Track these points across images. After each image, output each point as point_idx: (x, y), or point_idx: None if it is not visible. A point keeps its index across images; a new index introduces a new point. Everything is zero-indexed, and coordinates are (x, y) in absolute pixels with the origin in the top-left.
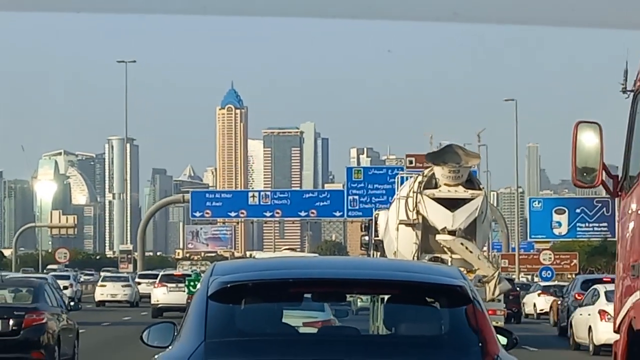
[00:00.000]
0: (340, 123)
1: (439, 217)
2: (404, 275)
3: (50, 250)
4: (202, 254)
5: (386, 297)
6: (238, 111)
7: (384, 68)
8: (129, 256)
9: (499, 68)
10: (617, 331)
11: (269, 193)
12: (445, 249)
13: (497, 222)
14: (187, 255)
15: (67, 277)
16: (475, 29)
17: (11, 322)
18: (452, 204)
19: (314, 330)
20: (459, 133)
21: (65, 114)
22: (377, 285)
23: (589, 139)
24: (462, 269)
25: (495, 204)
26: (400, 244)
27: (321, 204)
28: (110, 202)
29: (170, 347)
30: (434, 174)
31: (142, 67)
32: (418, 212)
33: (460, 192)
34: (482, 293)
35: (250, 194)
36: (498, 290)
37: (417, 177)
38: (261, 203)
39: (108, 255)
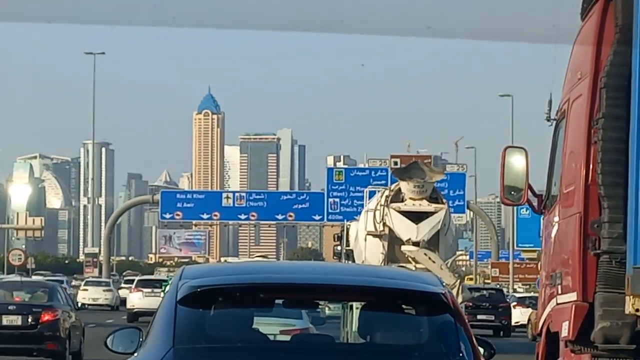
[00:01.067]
0: (317, 130)
1: (404, 228)
2: (380, 282)
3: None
4: (176, 259)
5: (361, 304)
6: (215, 116)
7: (360, 78)
8: (95, 260)
9: (473, 79)
10: (539, 334)
11: (244, 194)
12: (410, 258)
13: (472, 231)
14: (160, 260)
15: (60, 282)
16: (448, 43)
17: (29, 318)
18: (416, 217)
19: (287, 337)
20: (436, 142)
21: (41, 118)
22: (351, 292)
23: (516, 162)
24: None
25: (489, 210)
26: (368, 253)
27: (299, 206)
28: (85, 206)
29: (136, 354)
30: (400, 188)
31: (118, 71)
32: (385, 224)
33: (425, 206)
34: None
35: (225, 195)
36: (460, 297)
37: (384, 191)
38: (236, 205)
39: (80, 260)
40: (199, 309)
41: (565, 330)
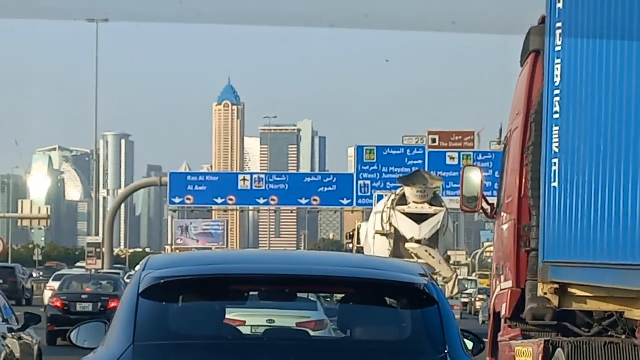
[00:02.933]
0: (338, 122)
1: (408, 228)
2: (358, 272)
3: (42, 246)
4: (193, 250)
5: (340, 296)
6: (235, 107)
7: (383, 71)
8: (98, 250)
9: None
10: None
11: (262, 176)
12: (413, 254)
13: None
14: (176, 251)
15: (118, 274)
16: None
17: (99, 304)
18: (419, 218)
19: (260, 332)
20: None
21: (61, 109)
22: (326, 283)
23: (473, 177)
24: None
25: None
26: (376, 250)
27: (325, 189)
28: (104, 198)
29: (94, 352)
30: (404, 193)
31: (139, 62)
32: (391, 224)
33: (426, 209)
34: (443, 291)
35: (241, 177)
36: (456, 289)
37: (390, 195)
38: (254, 188)
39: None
40: (162, 302)
41: (504, 310)
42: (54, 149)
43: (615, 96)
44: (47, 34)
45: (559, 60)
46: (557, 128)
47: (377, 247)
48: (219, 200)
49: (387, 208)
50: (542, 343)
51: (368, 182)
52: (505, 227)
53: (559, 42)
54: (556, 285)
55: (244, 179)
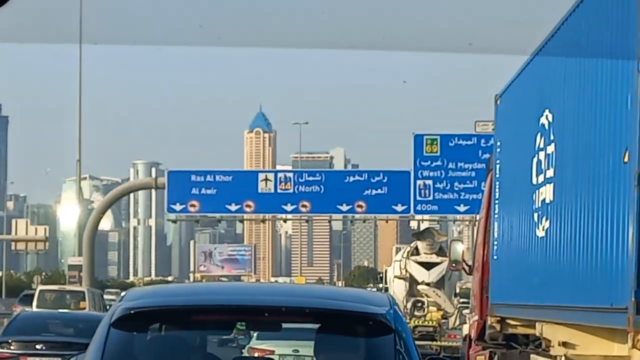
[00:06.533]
0: (369, 148)
1: (420, 274)
2: (318, 302)
3: (46, 273)
4: (217, 278)
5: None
6: (266, 135)
7: (404, 95)
8: (82, 274)
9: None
10: (465, 338)
11: (290, 175)
12: (424, 294)
13: None
14: (199, 278)
15: None
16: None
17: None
18: (428, 266)
19: None
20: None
21: (91, 139)
22: (287, 313)
23: (458, 248)
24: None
25: None
26: (395, 290)
27: (373, 192)
28: (135, 227)
29: None
30: (417, 246)
31: (170, 90)
32: (406, 270)
33: (434, 258)
34: (447, 324)
35: (262, 176)
36: (458, 321)
37: (406, 247)
38: (278, 191)
39: (129, 281)
40: (132, 332)
41: (473, 334)
42: (84, 178)
43: (522, 206)
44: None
45: (497, 183)
46: (497, 224)
47: (396, 288)
48: (233, 208)
49: (403, 257)
50: (488, 353)
51: (429, 181)
52: (475, 280)
53: (498, 162)
54: (498, 318)
55: (266, 179)
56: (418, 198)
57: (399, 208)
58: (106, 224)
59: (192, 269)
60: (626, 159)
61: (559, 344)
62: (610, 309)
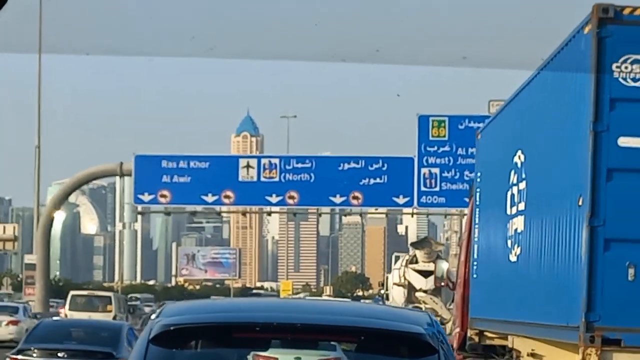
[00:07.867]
0: (356, 154)
1: (417, 281)
2: (360, 321)
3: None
4: (201, 282)
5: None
6: (254, 138)
7: (398, 104)
8: (35, 273)
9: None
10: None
11: (276, 161)
12: (421, 301)
13: None
14: (182, 283)
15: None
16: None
17: None
18: (426, 274)
19: None
20: None
21: (77, 142)
22: (328, 332)
23: (443, 266)
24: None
25: None
26: (394, 296)
27: (371, 181)
28: (120, 231)
29: None
30: (415, 255)
31: (156, 93)
32: (405, 278)
33: (431, 267)
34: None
35: (243, 162)
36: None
37: (405, 256)
38: (262, 179)
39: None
40: (171, 348)
41: (455, 344)
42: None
43: (498, 232)
44: (66, 71)
45: (478, 210)
46: (476, 246)
47: (395, 295)
48: (210, 199)
49: (402, 266)
50: None
51: (435, 169)
52: (457, 295)
53: (478, 190)
54: (477, 331)
55: (248, 166)
56: (423, 188)
57: (401, 200)
58: (92, 228)
59: (173, 272)
60: (580, 203)
61: (528, 355)
62: (566, 326)
